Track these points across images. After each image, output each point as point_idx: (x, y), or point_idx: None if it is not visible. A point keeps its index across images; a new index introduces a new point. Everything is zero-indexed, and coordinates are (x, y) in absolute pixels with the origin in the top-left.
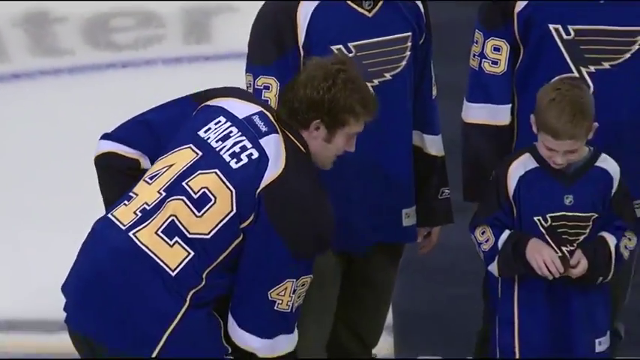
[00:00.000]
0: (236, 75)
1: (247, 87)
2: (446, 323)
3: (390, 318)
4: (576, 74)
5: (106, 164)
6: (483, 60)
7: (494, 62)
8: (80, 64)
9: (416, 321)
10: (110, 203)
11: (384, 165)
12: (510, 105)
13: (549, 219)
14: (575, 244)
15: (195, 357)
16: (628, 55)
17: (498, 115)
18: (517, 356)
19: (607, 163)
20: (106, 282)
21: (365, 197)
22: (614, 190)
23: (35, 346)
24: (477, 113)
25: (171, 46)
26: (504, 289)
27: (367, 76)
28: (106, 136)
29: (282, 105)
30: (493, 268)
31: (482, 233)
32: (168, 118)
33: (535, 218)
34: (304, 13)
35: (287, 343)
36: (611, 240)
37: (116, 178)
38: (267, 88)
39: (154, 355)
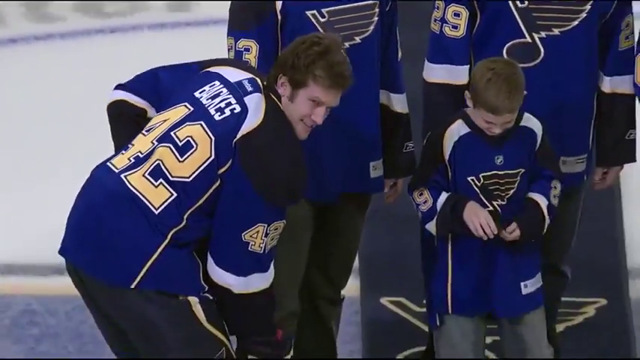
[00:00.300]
0: (214, 39)
1: (229, 49)
2: (408, 267)
3: (356, 262)
4: (529, 39)
5: (117, 111)
6: (444, 24)
7: (455, 27)
8: (71, 29)
9: (380, 265)
10: (119, 147)
11: (354, 121)
12: (468, 66)
13: (482, 178)
14: (505, 199)
15: (171, 291)
16: (576, 23)
17: (457, 75)
18: (449, 306)
19: (530, 121)
20: (97, 219)
21: (336, 150)
22: (538, 145)
23: (31, 288)
24: (437, 73)
25: (156, 13)
26: (440, 244)
27: None
28: (119, 86)
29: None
30: (431, 226)
31: (420, 195)
32: (175, 79)
33: (469, 178)
34: None
35: (261, 281)
36: (542, 201)
37: (125, 124)
38: (247, 50)
39: (132, 287)
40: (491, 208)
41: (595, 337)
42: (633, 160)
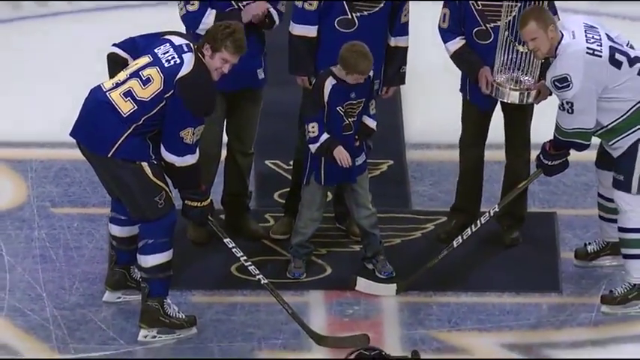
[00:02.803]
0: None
1: (186, 1)
2: (281, 144)
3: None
4: (350, 16)
5: (111, 58)
6: (304, 2)
7: (310, 4)
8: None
9: (266, 141)
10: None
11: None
12: (317, 26)
13: (344, 106)
14: (356, 116)
15: (130, 159)
16: (377, 9)
17: (310, 32)
18: (322, 179)
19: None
20: (89, 114)
21: (238, 63)
22: (370, 84)
23: (65, 155)
24: (299, 30)
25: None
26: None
27: None
28: (114, 44)
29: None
30: (312, 148)
31: (312, 127)
32: (146, 42)
33: (337, 108)
34: None
35: (192, 159)
36: (371, 122)
37: (115, 66)
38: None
39: (109, 156)
40: (347, 122)
41: (387, 183)
42: (403, 83)
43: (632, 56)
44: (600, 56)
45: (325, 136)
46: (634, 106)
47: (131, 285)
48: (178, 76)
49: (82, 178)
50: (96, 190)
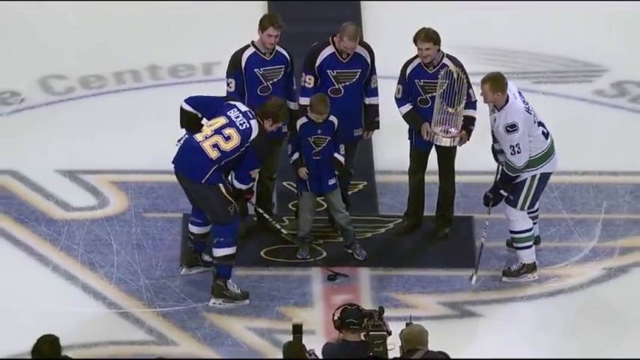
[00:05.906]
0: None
1: (227, 84)
2: (292, 171)
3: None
4: (337, 87)
5: (183, 113)
6: (305, 82)
7: (309, 83)
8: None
9: (284, 169)
10: (188, 131)
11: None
12: (310, 98)
13: (313, 138)
14: (322, 146)
15: (213, 183)
16: (354, 80)
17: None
18: (308, 187)
19: (332, 117)
20: (187, 154)
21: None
22: (335, 127)
23: (153, 178)
24: (303, 101)
25: (198, 75)
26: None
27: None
28: (185, 100)
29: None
30: (291, 160)
31: (289, 146)
32: (209, 103)
33: (307, 138)
34: (245, 57)
35: (252, 184)
36: (340, 157)
37: (186, 120)
38: (230, 83)
39: (202, 182)
40: (316, 150)
41: (363, 197)
42: (378, 128)
43: (538, 120)
44: (530, 113)
45: (296, 155)
46: (535, 155)
47: (200, 265)
48: (251, 139)
49: (163, 194)
50: (173, 201)
